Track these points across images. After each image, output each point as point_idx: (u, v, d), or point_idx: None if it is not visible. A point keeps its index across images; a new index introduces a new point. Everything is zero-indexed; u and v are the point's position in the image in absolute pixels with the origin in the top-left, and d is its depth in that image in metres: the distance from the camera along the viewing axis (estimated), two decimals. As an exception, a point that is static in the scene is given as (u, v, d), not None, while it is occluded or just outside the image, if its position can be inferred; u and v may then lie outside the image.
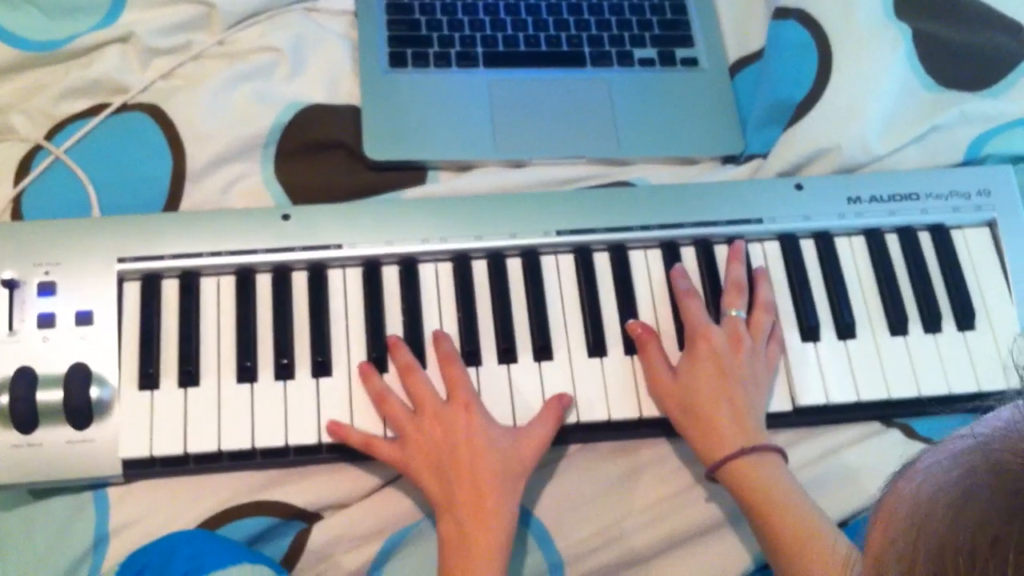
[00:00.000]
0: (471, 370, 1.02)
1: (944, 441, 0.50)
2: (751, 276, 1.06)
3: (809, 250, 1.10)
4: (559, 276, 1.07)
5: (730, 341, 0.99)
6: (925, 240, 1.12)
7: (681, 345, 1.03)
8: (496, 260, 1.07)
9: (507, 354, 1.03)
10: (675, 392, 0.98)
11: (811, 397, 1.04)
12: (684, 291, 1.04)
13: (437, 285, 1.05)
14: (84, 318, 0.99)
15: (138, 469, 0.98)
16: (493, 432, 0.95)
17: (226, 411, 0.99)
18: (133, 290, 1.02)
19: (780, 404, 1.03)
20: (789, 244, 1.10)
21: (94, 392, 0.97)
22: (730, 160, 1.21)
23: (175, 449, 0.97)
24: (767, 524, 0.89)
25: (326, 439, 0.98)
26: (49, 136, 1.14)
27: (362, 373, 1.00)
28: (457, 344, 1.03)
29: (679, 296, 1.04)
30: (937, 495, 0.47)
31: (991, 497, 0.45)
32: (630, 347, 1.04)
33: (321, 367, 1.01)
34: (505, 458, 0.93)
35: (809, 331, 1.06)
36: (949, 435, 0.49)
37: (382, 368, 1.01)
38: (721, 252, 1.09)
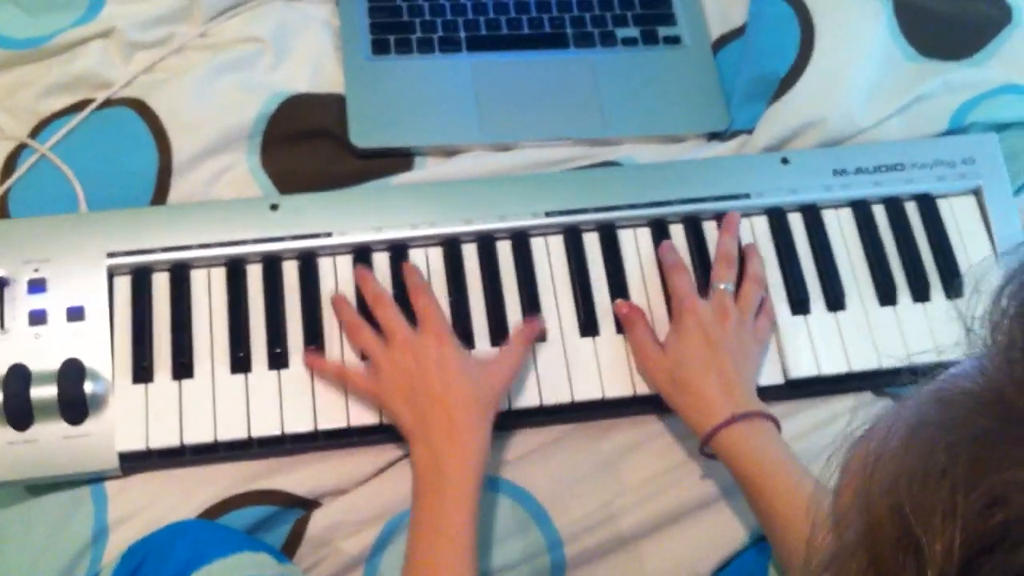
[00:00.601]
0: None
1: (899, 399, 0.52)
2: (742, 251, 1.07)
3: (797, 223, 1.11)
4: (549, 257, 1.07)
5: (717, 314, 0.99)
6: (911, 210, 1.12)
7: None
8: (486, 243, 1.07)
9: (499, 336, 1.03)
10: (664, 366, 0.98)
11: (803, 369, 1.04)
12: (671, 264, 1.04)
13: (428, 270, 1.06)
14: (76, 314, 0.99)
15: (135, 462, 0.98)
16: (464, 361, 0.96)
17: (221, 402, 0.99)
18: (124, 284, 1.02)
19: (772, 377, 1.04)
20: (777, 218, 1.10)
21: (88, 387, 0.97)
22: (715, 137, 1.21)
23: (171, 441, 0.97)
24: (761, 491, 0.90)
25: (322, 426, 0.99)
26: (33, 133, 1.14)
27: (336, 305, 1.02)
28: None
29: (667, 270, 1.05)
30: (889, 434, 0.49)
31: (937, 429, 0.47)
32: (622, 326, 1.04)
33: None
34: (476, 385, 0.94)
35: (799, 304, 1.07)
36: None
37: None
38: (710, 229, 1.10)
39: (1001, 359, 0.47)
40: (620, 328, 1.04)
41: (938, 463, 0.45)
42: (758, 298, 1.04)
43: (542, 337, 1.03)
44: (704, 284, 1.05)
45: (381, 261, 1.05)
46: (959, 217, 1.12)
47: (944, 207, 1.12)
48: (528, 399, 1.01)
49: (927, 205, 1.12)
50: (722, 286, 1.02)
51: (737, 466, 0.92)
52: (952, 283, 1.08)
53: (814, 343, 1.05)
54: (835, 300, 1.07)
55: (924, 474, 0.45)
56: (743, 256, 1.06)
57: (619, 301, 1.04)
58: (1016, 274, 0.50)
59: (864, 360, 1.05)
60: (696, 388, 0.96)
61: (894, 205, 1.12)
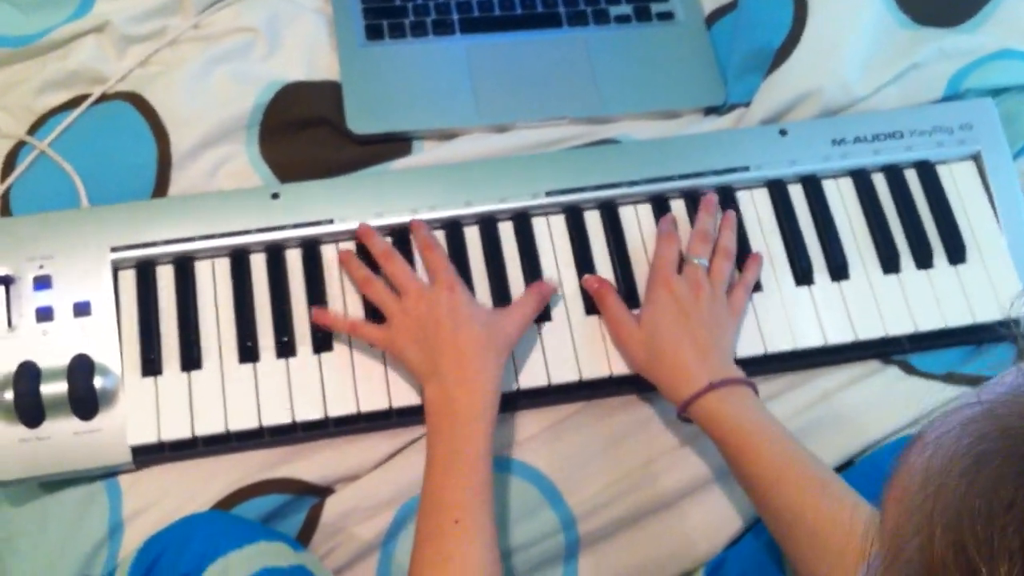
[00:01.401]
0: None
1: (951, 410, 0.49)
2: (720, 227, 1.07)
3: (797, 195, 1.11)
4: (551, 237, 1.08)
5: (690, 287, 1.00)
6: (911, 177, 1.12)
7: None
8: (488, 225, 1.07)
9: (503, 316, 1.03)
10: (639, 338, 0.99)
11: (809, 339, 1.05)
12: (664, 233, 1.05)
13: (431, 253, 1.06)
14: (82, 309, 0.99)
15: (147, 455, 0.98)
16: (475, 308, 0.98)
17: (231, 392, 0.99)
18: (128, 278, 1.02)
19: (780, 345, 1.04)
20: (777, 190, 1.10)
21: (98, 382, 0.97)
22: (712, 111, 1.21)
23: (183, 433, 0.97)
24: (742, 455, 0.90)
25: (332, 413, 0.99)
26: (32, 130, 1.14)
27: (344, 261, 1.03)
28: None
29: (658, 235, 1.05)
30: (949, 464, 0.47)
31: (1003, 462, 0.45)
32: (628, 303, 1.04)
33: (322, 342, 1.01)
34: (488, 331, 0.96)
35: (802, 274, 1.07)
36: (955, 403, 0.49)
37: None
38: (710, 203, 1.10)
39: None
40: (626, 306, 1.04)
41: (1004, 499, 0.43)
42: (728, 271, 1.04)
43: (547, 317, 1.04)
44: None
45: (384, 246, 1.05)
46: (959, 183, 1.12)
47: (944, 173, 1.13)
48: (536, 378, 1.02)
49: (927, 172, 1.12)
50: (696, 260, 1.02)
51: (715, 432, 0.93)
52: (954, 249, 1.08)
53: (819, 313, 1.06)
54: (838, 269, 1.07)
55: (989, 511, 0.43)
56: (719, 229, 1.07)
57: (587, 276, 1.05)
58: None
59: (870, 328, 1.05)
60: (671, 357, 0.96)
61: (894, 173, 1.12)
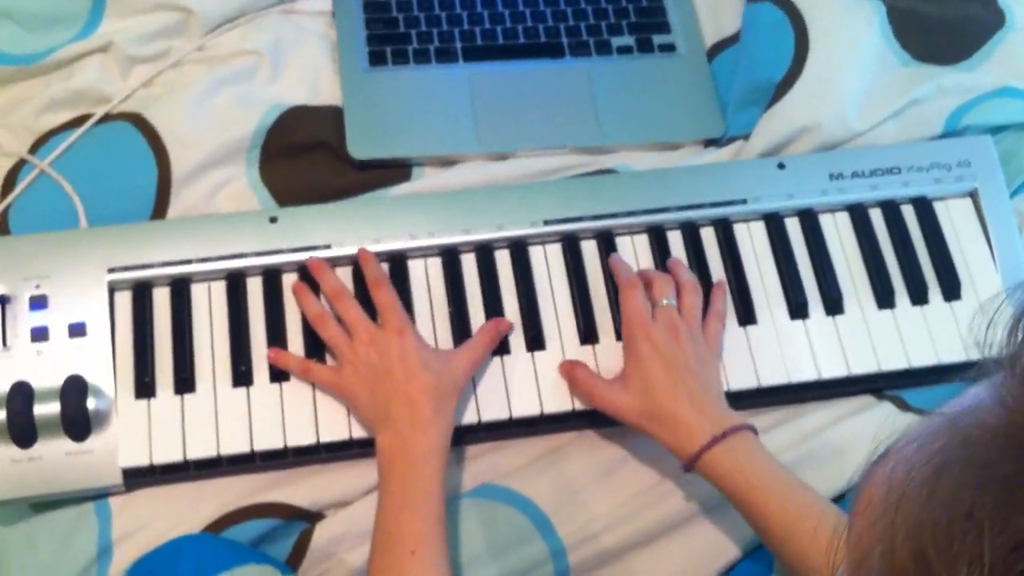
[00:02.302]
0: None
1: (915, 424, 0.50)
2: (670, 269, 1.07)
3: (794, 228, 1.11)
4: (548, 265, 1.08)
5: (668, 332, 0.99)
6: (908, 213, 1.13)
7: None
8: (485, 253, 1.07)
9: (500, 345, 1.04)
10: (632, 402, 0.97)
11: (803, 373, 1.05)
12: (626, 282, 1.03)
13: (427, 280, 1.06)
14: (77, 330, 1.00)
15: (138, 477, 0.98)
16: (426, 354, 0.98)
17: (223, 416, 0.99)
18: (125, 299, 1.02)
19: (774, 379, 1.04)
20: (774, 223, 1.11)
21: (91, 403, 0.97)
22: (712, 143, 1.21)
23: (174, 456, 0.97)
24: (753, 508, 0.90)
25: (324, 439, 0.99)
26: (33, 149, 1.14)
27: (298, 294, 1.03)
28: (449, 337, 1.03)
29: (621, 286, 1.04)
30: (911, 474, 0.47)
31: (962, 471, 0.45)
32: (622, 333, 1.04)
33: (316, 367, 1.01)
34: (439, 377, 0.96)
35: (798, 308, 1.07)
36: (920, 418, 0.50)
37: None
38: (707, 235, 1.10)
39: (1021, 392, 0.47)
40: (620, 336, 1.04)
41: (963, 507, 0.44)
42: (698, 303, 1.03)
43: (542, 347, 1.04)
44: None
45: (380, 272, 1.06)
46: (956, 220, 1.12)
47: (941, 210, 1.13)
48: (529, 408, 1.02)
49: (924, 208, 1.12)
50: (664, 301, 1.01)
51: (725, 485, 0.92)
52: (950, 285, 1.08)
53: (813, 347, 1.06)
54: (833, 304, 1.07)
55: (948, 519, 0.44)
56: (672, 271, 1.06)
57: (561, 363, 1.03)
58: None
59: (863, 363, 1.05)
60: (669, 414, 0.95)
61: (891, 208, 1.12)
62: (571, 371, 1.02)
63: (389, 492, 0.92)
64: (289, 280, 1.04)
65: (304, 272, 1.04)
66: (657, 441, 0.96)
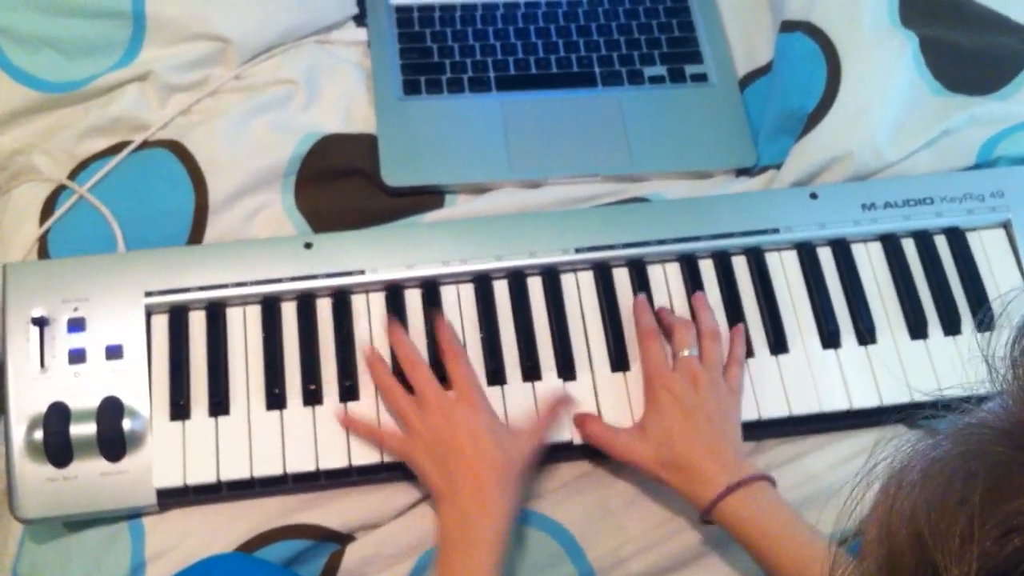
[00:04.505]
0: (496, 389, 1.03)
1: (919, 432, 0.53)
2: (692, 307, 1.07)
3: (826, 258, 1.11)
4: (579, 293, 1.08)
5: (688, 381, 0.99)
6: (941, 243, 1.12)
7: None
8: (517, 280, 1.08)
9: (531, 372, 1.04)
10: (649, 451, 0.98)
11: (835, 403, 1.04)
12: (646, 332, 1.04)
13: (459, 307, 1.07)
14: (114, 352, 1.01)
15: (172, 498, 0.99)
16: (495, 429, 0.97)
17: (257, 438, 1.00)
18: (161, 323, 1.04)
19: (806, 407, 1.04)
20: (806, 253, 1.11)
21: (127, 424, 0.98)
22: (743, 172, 1.22)
23: (208, 477, 0.98)
24: (766, 556, 0.90)
25: (356, 462, 1.00)
26: (72, 175, 1.16)
27: (370, 362, 1.02)
28: (481, 363, 1.04)
29: (640, 335, 1.04)
30: (909, 466, 0.50)
31: (955, 461, 0.48)
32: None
33: (348, 391, 1.02)
34: (507, 454, 0.96)
35: (830, 338, 1.07)
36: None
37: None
38: (739, 264, 1.10)
39: (1021, 393, 0.49)
40: (651, 363, 1.05)
41: (956, 491, 0.46)
42: (720, 352, 1.04)
43: (572, 374, 1.04)
44: (731, 319, 1.07)
45: (413, 298, 1.06)
46: (989, 250, 1.12)
47: (974, 240, 1.13)
48: (560, 434, 1.02)
49: (957, 238, 1.12)
50: (685, 352, 1.02)
51: (740, 534, 0.92)
52: (983, 316, 1.08)
53: (845, 377, 1.06)
54: (866, 333, 1.07)
55: (942, 502, 0.46)
56: (694, 312, 1.07)
57: (576, 416, 1.03)
58: None
59: (896, 394, 1.05)
60: (686, 463, 0.95)
61: (923, 239, 1.12)
62: (584, 427, 1.02)
63: (449, 566, 0.92)
64: (323, 305, 1.05)
65: (340, 298, 1.05)
66: (675, 491, 0.97)
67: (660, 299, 1.08)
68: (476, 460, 0.94)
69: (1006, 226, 1.13)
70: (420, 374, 1.00)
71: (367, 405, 1.02)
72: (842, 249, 1.11)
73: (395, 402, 1.00)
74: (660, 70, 1.26)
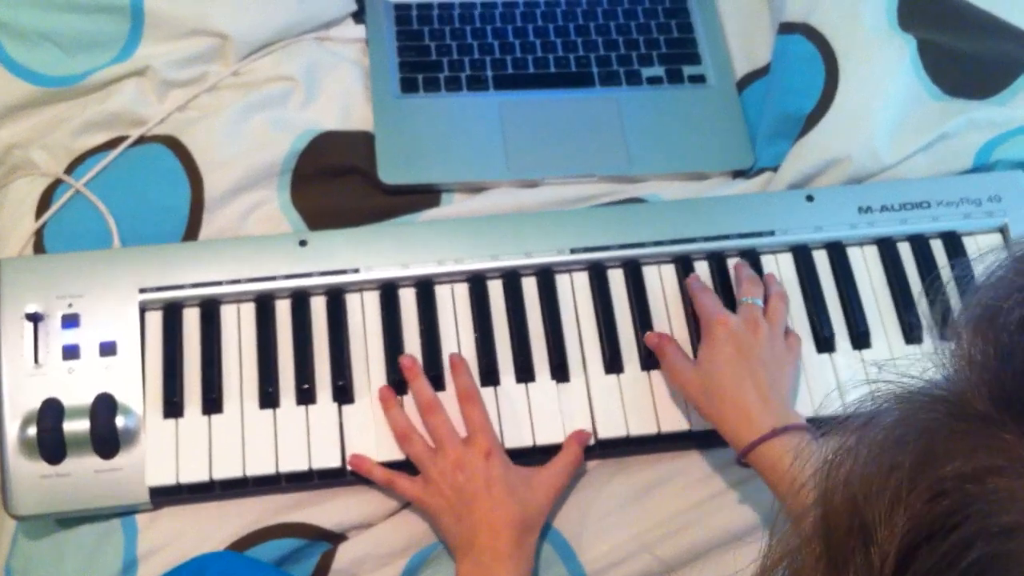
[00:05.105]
0: (489, 390, 1.03)
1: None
2: (764, 281, 1.07)
3: (822, 261, 1.11)
4: (574, 294, 1.08)
5: (747, 325, 0.99)
6: (937, 247, 1.12)
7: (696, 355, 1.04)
8: (511, 279, 1.08)
9: (525, 373, 1.04)
10: (696, 379, 0.98)
11: (829, 407, 1.04)
12: (697, 288, 1.05)
13: (454, 306, 1.07)
14: (108, 349, 1.01)
15: (165, 496, 0.99)
16: (511, 480, 0.97)
17: (250, 437, 1.00)
18: (155, 320, 1.04)
19: (799, 411, 1.03)
20: (802, 255, 1.11)
21: (120, 421, 0.98)
22: (740, 174, 1.22)
23: (201, 476, 0.98)
24: (792, 505, 0.89)
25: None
26: (69, 170, 1.16)
27: (384, 403, 1.02)
28: (474, 363, 1.04)
29: (693, 294, 1.05)
30: (846, 431, 0.52)
31: (890, 426, 0.49)
32: (647, 363, 1.05)
33: (342, 391, 1.02)
34: (523, 506, 0.96)
35: (824, 342, 1.07)
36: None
37: (401, 390, 1.03)
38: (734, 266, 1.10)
39: (963, 363, 0.50)
40: (645, 365, 1.05)
41: (889, 455, 0.47)
42: (785, 312, 1.04)
43: (566, 375, 1.04)
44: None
45: (407, 297, 1.07)
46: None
47: (970, 244, 1.13)
48: (552, 436, 1.02)
49: (953, 242, 1.12)
50: (750, 300, 1.02)
51: (772, 480, 0.91)
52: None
53: (840, 380, 1.05)
54: (860, 337, 1.07)
55: (877, 466, 0.48)
56: (764, 280, 1.07)
57: (649, 333, 1.04)
58: (978, 286, 0.52)
59: (889, 398, 1.05)
60: (731, 398, 0.95)
61: (920, 242, 1.12)
62: (660, 343, 1.02)
63: None
64: (317, 303, 1.05)
65: (334, 296, 1.05)
66: (715, 425, 0.96)
67: (655, 301, 1.08)
68: (492, 513, 0.94)
69: (1002, 230, 1.13)
70: (438, 420, 1.00)
71: (361, 403, 1.02)
72: (838, 252, 1.11)
73: (411, 449, 0.99)
74: (658, 71, 1.26)
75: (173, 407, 1.00)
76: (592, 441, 1.02)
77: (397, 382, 1.02)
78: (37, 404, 0.98)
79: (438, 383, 1.03)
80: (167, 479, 0.98)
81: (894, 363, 0.53)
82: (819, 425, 1.03)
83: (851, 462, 0.49)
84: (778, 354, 0.99)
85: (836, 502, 0.49)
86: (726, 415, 0.95)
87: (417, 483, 0.98)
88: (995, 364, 0.48)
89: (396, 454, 1.00)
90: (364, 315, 1.06)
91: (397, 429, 1.00)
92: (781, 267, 1.11)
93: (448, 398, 1.01)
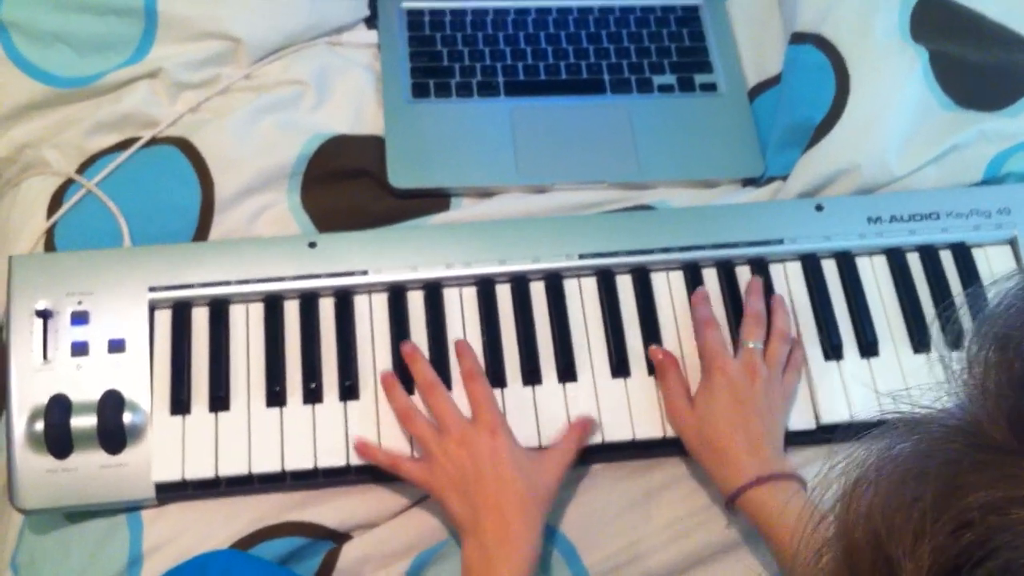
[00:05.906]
0: (496, 392, 1.03)
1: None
2: (769, 306, 1.07)
3: (831, 270, 1.11)
4: (582, 299, 1.08)
5: (747, 371, 1.00)
6: (946, 258, 1.12)
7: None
8: (520, 284, 1.08)
9: (532, 376, 1.04)
10: (692, 422, 0.99)
11: (836, 415, 1.04)
12: (703, 320, 1.05)
13: (462, 309, 1.07)
14: (117, 346, 1.01)
15: (171, 492, 0.99)
16: (518, 457, 0.96)
17: (256, 435, 1.00)
18: (164, 318, 1.04)
19: (804, 422, 1.04)
20: (810, 264, 1.11)
21: (127, 417, 0.98)
22: (750, 182, 1.22)
23: (207, 472, 0.98)
24: (785, 552, 0.90)
25: (354, 461, 1.00)
26: (81, 169, 1.16)
27: (386, 386, 1.02)
28: (482, 367, 1.04)
29: (697, 325, 1.05)
30: (865, 463, 0.51)
31: (910, 458, 0.49)
32: (653, 368, 1.05)
33: (349, 391, 1.02)
34: (530, 484, 0.95)
35: (832, 350, 1.07)
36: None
37: (409, 391, 1.02)
38: (743, 274, 1.10)
39: (978, 392, 0.49)
40: (651, 371, 1.05)
41: (910, 489, 0.47)
42: (785, 354, 1.04)
43: (573, 379, 1.04)
44: (735, 328, 1.06)
45: (416, 299, 1.07)
46: (994, 266, 1.12)
47: (979, 256, 1.12)
48: (556, 439, 1.02)
49: (962, 254, 1.12)
50: (751, 344, 1.02)
51: (761, 525, 0.93)
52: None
53: (847, 389, 1.05)
54: (868, 346, 1.07)
55: (897, 499, 0.47)
56: (770, 311, 1.07)
57: (654, 347, 1.05)
58: (991, 313, 0.51)
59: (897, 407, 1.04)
60: (723, 447, 0.96)
61: (929, 253, 1.12)
62: (664, 362, 1.03)
63: None
64: (326, 304, 1.06)
65: (342, 298, 1.05)
66: (705, 470, 0.98)
67: (663, 307, 1.08)
68: (499, 496, 0.93)
69: (1012, 243, 1.13)
70: (439, 399, 0.99)
71: (367, 404, 1.02)
72: (846, 262, 1.11)
73: (415, 428, 0.99)
74: (670, 79, 1.26)
75: (180, 404, 1.00)
76: (599, 437, 1.02)
77: (404, 383, 1.02)
78: (45, 399, 0.98)
79: (445, 385, 1.02)
80: (173, 475, 0.98)
81: (908, 393, 0.53)
82: (828, 435, 1.04)
83: (871, 495, 0.49)
84: (774, 401, 1.00)
85: (858, 536, 0.49)
86: (714, 461, 0.97)
87: (421, 464, 0.98)
88: (1011, 393, 0.48)
89: (402, 451, 1.00)
90: (372, 317, 1.06)
91: (399, 409, 1.00)
92: (790, 276, 1.11)
93: (455, 397, 1.01)
